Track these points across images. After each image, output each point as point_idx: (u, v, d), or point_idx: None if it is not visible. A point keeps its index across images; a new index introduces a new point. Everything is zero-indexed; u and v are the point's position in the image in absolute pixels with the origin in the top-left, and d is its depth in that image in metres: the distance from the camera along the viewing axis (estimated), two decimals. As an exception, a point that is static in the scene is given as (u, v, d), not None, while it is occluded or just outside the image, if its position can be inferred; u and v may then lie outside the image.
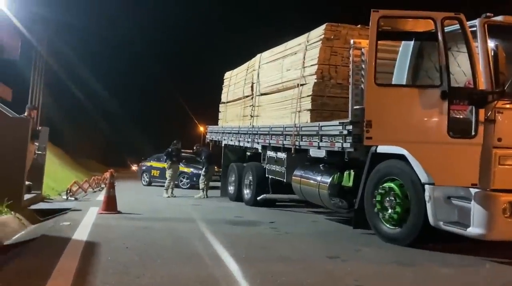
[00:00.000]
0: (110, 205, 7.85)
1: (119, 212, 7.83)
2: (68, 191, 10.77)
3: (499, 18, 5.07)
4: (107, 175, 10.45)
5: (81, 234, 5.61)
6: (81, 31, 35.38)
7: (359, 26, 7.59)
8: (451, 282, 4.12)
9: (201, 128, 29.75)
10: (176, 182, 15.19)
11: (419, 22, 5.45)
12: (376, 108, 5.15)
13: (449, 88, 4.82)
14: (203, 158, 12.63)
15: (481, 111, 4.73)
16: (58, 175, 15.23)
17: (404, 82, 5.73)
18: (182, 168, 16.00)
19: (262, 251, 5.14)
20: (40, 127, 9.75)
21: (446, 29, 5.00)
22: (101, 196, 9.23)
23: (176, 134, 23.86)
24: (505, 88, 4.56)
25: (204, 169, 12.42)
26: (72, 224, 6.36)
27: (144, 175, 17.69)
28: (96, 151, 39.27)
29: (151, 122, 41.55)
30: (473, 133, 4.75)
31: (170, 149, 12.80)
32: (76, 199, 10.50)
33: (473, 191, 4.74)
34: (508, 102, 4.75)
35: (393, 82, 5.82)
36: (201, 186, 12.32)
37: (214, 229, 6.40)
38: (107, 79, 41.71)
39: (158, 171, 16.75)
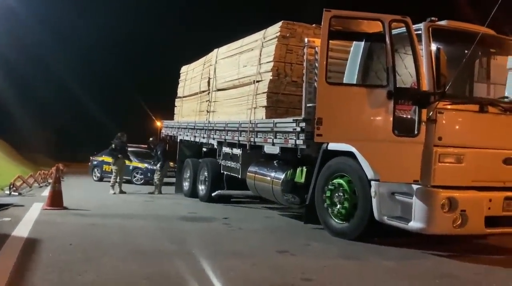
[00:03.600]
0: (56, 200, 7.52)
1: (65, 208, 7.52)
2: (11, 186, 10.21)
3: (443, 22, 5.32)
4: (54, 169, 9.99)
5: (22, 230, 5.36)
6: (35, 22, 33.60)
7: (314, 25, 7.69)
8: (393, 274, 4.30)
9: (158, 123, 29.03)
10: (129, 178, 14.79)
11: (370, 24, 5.61)
12: (327, 106, 5.25)
13: (394, 88, 4.99)
14: (158, 153, 12.31)
15: (424, 111, 4.93)
16: (1, 169, 14.39)
17: (354, 82, 5.89)
18: (136, 163, 15.59)
19: (213, 246, 5.12)
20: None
21: (394, 31, 5.16)
22: (47, 191, 8.81)
23: (132, 128, 23.15)
24: (446, 89, 4.79)
25: (159, 165, 12.14)
26: (13, 220, 6.05)
27: (95, 170, 17.03)
28: (46, 144, 37.22)
29: (108, 116, 39.98)
30: (416, 132, 4.94)
31: (113, 145, 11.97)
32: (20, 194, 9.99)
33: (414, 187, 4.97)
34: (449, 103, 5.00)
35: (344, 81, 5.97)
36: (156, 181, 12.06)
37: (165, 225, 6.31)
38: (61, 72, 39.70)
39: (111, 166, 16.18)
